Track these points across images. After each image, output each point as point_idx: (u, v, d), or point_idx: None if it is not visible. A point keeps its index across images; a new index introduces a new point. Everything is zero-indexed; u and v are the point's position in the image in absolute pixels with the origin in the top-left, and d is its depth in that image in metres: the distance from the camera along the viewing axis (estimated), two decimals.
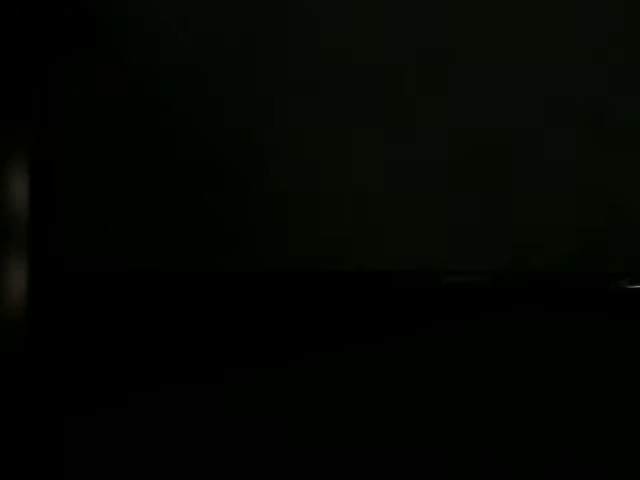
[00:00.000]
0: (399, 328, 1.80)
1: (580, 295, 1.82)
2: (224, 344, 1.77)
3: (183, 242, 1.84)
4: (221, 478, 1.61)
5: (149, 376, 1.72)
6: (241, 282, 1.82)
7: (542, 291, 1.82)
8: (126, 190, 1.85)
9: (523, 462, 1.63)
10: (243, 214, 1.85)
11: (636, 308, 1.81)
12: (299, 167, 1.86)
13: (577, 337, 1.76)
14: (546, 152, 1.86)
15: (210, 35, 1.87)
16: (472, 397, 1.70)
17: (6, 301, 1.63)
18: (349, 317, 1.80)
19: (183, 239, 1.84)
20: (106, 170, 1.85)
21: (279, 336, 1.77)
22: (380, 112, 1.87)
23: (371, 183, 1.86)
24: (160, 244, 1.84)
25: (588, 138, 1.86)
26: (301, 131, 1.87)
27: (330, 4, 1.88)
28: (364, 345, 1.77)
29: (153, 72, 1.85)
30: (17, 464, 1.50)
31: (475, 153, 1.86)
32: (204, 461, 1.62)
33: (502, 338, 1.76)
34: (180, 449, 1.62)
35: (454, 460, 1.63)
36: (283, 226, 1.85)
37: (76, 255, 1.82)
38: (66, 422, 1.61)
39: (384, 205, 1.85)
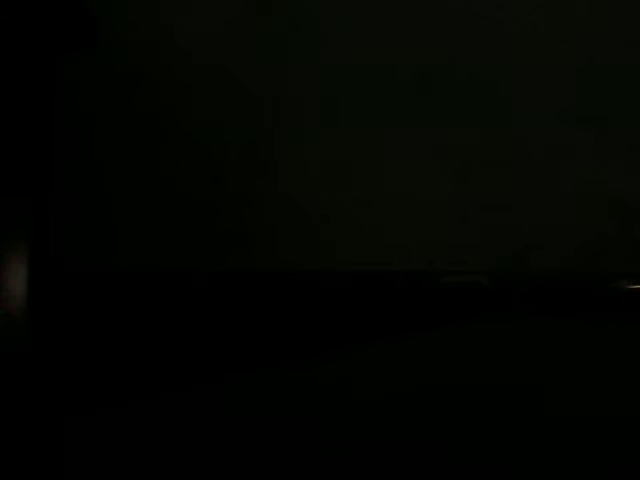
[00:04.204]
0: (399, 328, 1.80)
1: (580, 295, 1.82)
2: (224, 344, 1.77)
3: (181, 242, 1.84)
4: (221, 478, 1.61)
5: (148, 376, 1.72)
6: (240, 282, 1.82)
7: (542, 291, 1.82)
8: (126, 190, 1.85)
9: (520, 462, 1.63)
10: (244, 214, 1.85)
11: (636, 308, 1.81)
12: (300, 169, 1.86)
13: (577, 336, 1.76)
14: (547, 151, 1.86)
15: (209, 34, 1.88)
16: (472, 396, 1.70)
17: (6, 302, 1.63)
18: (349, 317, 1.80)
19: (181, 239, 1.84)
20: (106, 170, 1.85)
21: (278, 336, 1.78)
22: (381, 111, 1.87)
23: (370, 184, 1.86)
24: (160, 244, 1.84)
25: (589, 138, 1.86)
26: (301, 131, 1.87)
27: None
28: (364, 345, 1.77)
29: (153, 73, 1.86)
30: (17, 464, 1.50)
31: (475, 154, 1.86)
32: (202, 461, 1.62)
33: (502, 337, 1.77)
34: (179, 448, 1.63)
35: (452, 458, 1.64)
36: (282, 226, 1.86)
37: (76, 255, 1.82)
38: (66, 422, 1.61)
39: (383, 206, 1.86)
